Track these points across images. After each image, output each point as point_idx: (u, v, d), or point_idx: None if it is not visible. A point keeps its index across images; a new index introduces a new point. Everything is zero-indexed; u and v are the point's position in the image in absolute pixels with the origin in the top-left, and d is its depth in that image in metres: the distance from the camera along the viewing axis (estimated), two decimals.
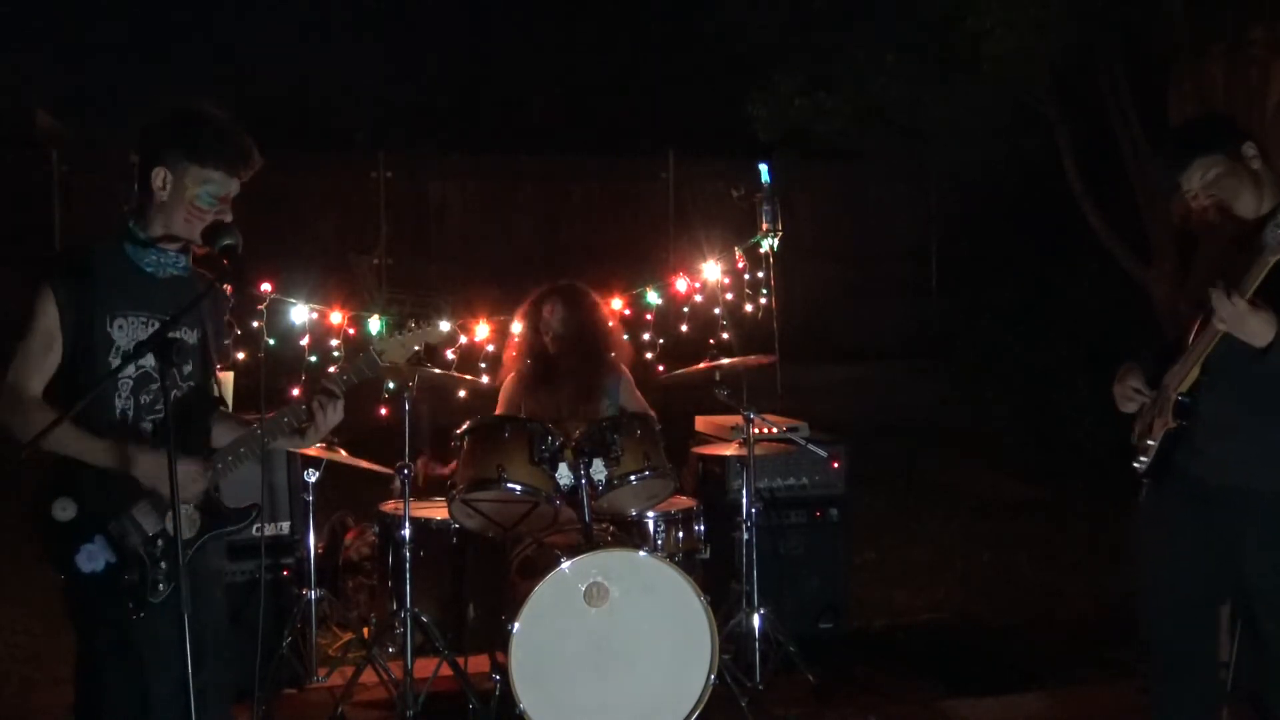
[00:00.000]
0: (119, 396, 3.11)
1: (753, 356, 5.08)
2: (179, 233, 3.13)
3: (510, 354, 5.34)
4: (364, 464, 4.89)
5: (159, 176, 3.10)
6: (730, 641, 4.88)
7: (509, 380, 5.31)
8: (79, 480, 3.03)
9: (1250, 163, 3.43)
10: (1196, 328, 3.42)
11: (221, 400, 3.42)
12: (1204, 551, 3.53)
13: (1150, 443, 3.54)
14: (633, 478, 4.55)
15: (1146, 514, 3.68)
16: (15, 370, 3.04)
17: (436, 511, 5.02)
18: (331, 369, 3.40)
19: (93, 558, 3.04)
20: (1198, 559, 3.54)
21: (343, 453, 4.82)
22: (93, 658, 3.12)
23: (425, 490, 5.44)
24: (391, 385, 4.87)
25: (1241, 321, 3.21)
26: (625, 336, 5.51)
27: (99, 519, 3.04)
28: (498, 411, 5.20)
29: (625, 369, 5.33)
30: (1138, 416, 3.62)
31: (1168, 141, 3.64)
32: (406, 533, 4.61)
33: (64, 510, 3.03)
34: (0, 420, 3.02)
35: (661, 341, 5.80)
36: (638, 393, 5.30)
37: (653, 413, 4.89)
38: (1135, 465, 3.61)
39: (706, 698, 4.27)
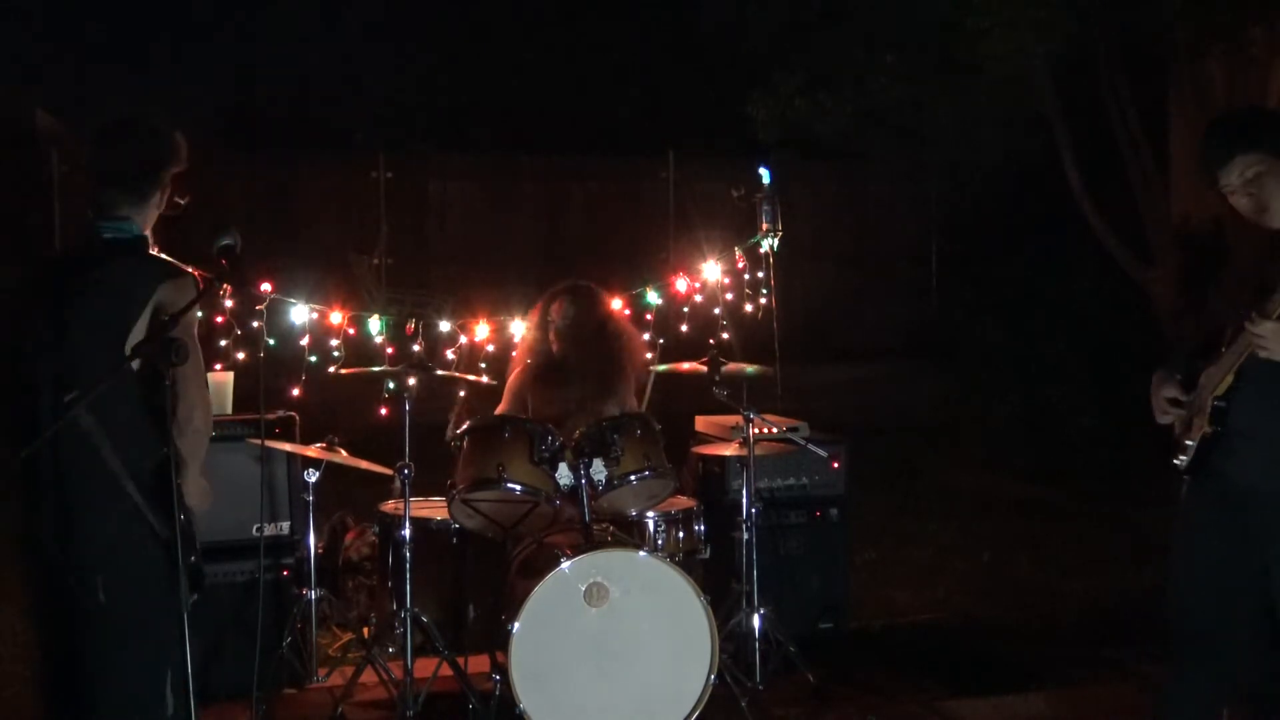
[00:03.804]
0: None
1: (749, 365, 5.06)
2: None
3: (516, 353, 5.34)
4: (364, 464, 4.89)
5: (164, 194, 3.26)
6: (730, 641, 4.87)
7: (515, 375, 5.31)
8: None
9: None
10: (1231, 332, 3.41)
11: None
12: (1232, 551, 3.53)
13: (1189, 442, 3.54)
14: (633, 478, 4.55)
15: (1184, 511, 3.68)
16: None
17: (436, 511, 5.01)
18: None
19: None
20: (1225, 558, 3.54)
21: (343, 453, 4.82)
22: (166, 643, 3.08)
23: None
24: (391, 385, 4.86)
25: (1275, 341, 3.22)
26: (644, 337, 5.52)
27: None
28: (502, 406, 5.21)
29: (632, 372, 5.32)
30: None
31: (1210, 133, 3.56)
32: (406, 533, 4.60)
33: None
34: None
35: (661, 341, 5.79)
36: (633, 397, 5.30)
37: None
38: (1175, 463, 3.61)
39: (706, 698, 4.27)
